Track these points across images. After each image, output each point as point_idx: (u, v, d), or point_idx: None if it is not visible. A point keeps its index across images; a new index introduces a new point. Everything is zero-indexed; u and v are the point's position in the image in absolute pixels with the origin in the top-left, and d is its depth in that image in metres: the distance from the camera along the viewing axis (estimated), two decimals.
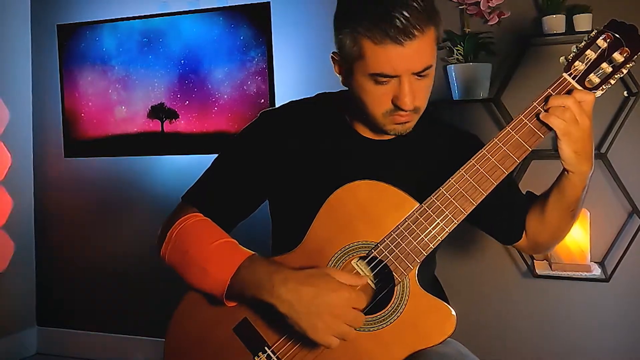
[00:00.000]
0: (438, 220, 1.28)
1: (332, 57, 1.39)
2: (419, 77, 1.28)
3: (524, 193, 1.57)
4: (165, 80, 3.23)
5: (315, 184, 1.41)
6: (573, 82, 1.25)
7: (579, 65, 1.26)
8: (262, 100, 3.05)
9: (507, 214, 1.51)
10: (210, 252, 1.35)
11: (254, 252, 1.34)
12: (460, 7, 2.69)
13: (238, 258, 1.32)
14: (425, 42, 1.24)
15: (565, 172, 1.32)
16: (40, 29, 3.52)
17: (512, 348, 2.73)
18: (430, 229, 1.28)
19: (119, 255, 3.41)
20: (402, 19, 1.20)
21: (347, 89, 1.47)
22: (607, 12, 2.41)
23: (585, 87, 1.25)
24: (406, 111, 1.29)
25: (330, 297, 1.21)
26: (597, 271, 2.50)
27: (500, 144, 1.27)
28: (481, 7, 2.61)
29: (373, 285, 1.35)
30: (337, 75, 1.40)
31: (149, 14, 3.25)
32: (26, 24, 3.53)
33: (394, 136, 1.43)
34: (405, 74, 1.25)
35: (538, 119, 1.26)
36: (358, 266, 1.34)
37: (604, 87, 1.25)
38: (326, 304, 1.21)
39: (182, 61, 3.20)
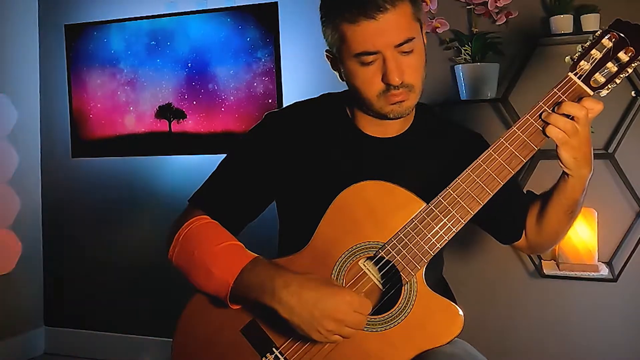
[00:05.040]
0: (445, 220, 1.28)
1: (326, 56, 1.44)
2: (403, 53, 1.30)
3: (525, 192, 1.57)
4: (173, 80, 3.24)
5: (322, 184, 1.41)
6: (579, 82, 1.25)
7: (585, 65, 1.25)
8: (270, 101, 3.05)
9: (507, 214, 1.51)
10: (215, 254, 1.35)
11: (258, 255, 1.35)
12: (468, 7, 2.69)
13: (241, 261, 1.32)
14: (399, 14, 1.28)
15: (565, 176, 1.33)
16: (48, 29, 3.54)
17: (519, 348, 2.72)
18: (437, 228, 1.28)
19: (127, 255, 3.42)
20: None
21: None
22: (614, 12, 2.38)
23: (590, 87, 1.25)
24: (397, 88, 1.31)
25: (331, 301, 1.21)
26: (604, 271, 2.49)
27: (507, 144, 1.27)
28: (489, 7, 2.61)
29: (380, 286, 1.35)
30: (335, 72, 1.44)
31: (156, 14, 3.26)
32: (34, 24, 3.55)
33: (397, 134, 1.45)
34: (387, 49, 1.28)
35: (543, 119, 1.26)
36: (365, 267, 1.34)
37: (610, 87, 1.25)
38: (328, 308, 1.21)
39: (190, 61, 3.21)
